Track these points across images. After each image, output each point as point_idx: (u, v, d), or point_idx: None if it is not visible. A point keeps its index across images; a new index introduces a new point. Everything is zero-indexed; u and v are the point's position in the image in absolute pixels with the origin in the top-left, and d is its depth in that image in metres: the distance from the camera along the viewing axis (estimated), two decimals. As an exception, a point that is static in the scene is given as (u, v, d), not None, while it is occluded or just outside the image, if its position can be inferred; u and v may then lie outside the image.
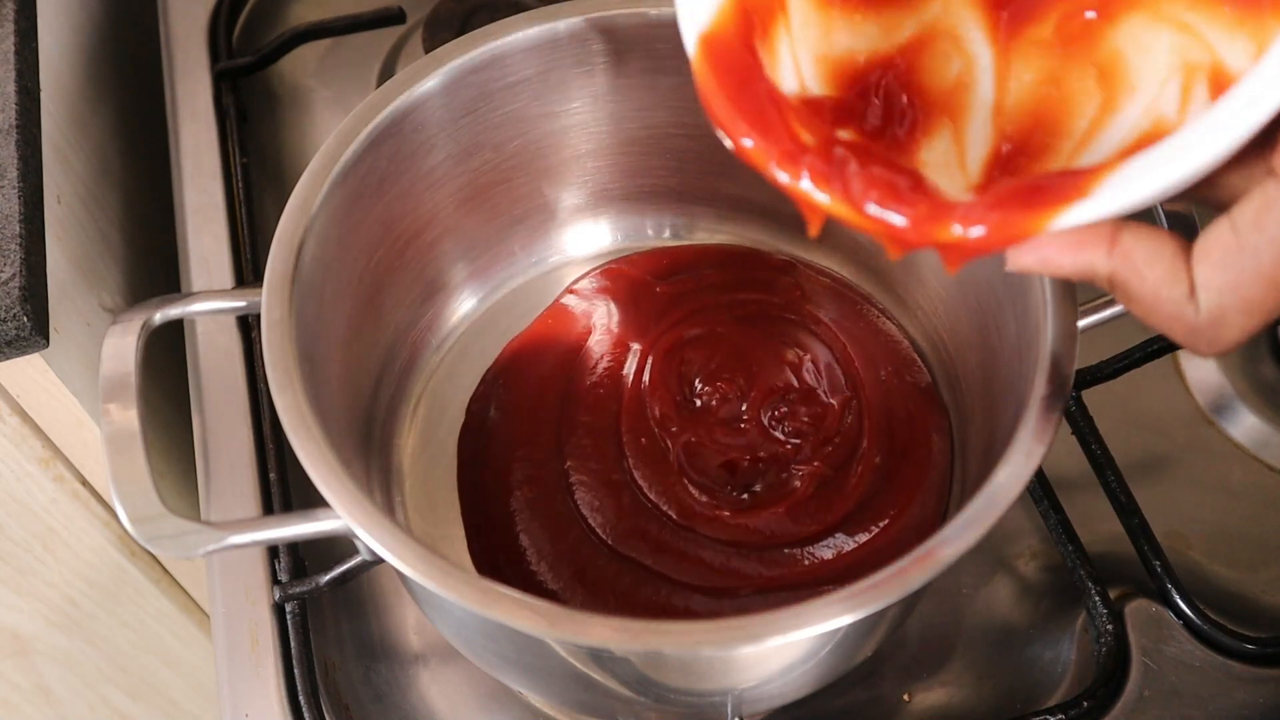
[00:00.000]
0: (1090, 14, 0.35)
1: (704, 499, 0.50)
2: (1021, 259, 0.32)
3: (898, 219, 0.32)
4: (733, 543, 0.49)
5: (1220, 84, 0.31)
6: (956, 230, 0.31)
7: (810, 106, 0.36)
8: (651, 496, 0.50)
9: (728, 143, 0.34)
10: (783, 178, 0.33)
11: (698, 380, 0.53)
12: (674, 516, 0.50)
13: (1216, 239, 0.29)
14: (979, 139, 0.37)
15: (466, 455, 0.53)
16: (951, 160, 0.37)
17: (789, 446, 0.51)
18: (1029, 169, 0.36)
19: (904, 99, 0.37)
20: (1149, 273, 0.30)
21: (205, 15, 0.73)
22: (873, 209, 0.32)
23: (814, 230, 0.33)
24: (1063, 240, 0.31)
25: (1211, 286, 0.29)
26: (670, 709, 0.45)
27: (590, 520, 0.50)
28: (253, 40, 0.75)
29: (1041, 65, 0.36)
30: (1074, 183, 0.30)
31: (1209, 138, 0.28)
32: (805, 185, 0.33)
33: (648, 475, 0.51)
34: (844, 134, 0.36)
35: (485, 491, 0.51)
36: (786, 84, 0.36)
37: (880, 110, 0.37)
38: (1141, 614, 0.50)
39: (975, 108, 0.37)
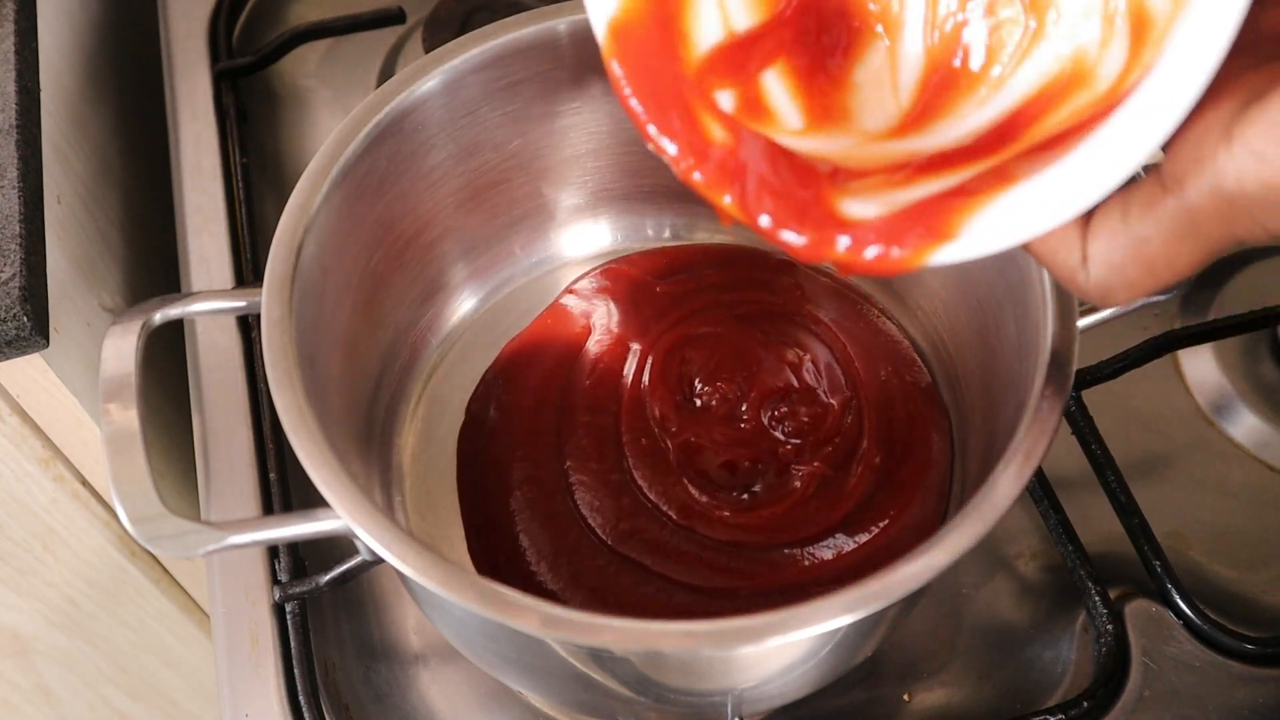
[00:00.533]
0: None
1: (704, 499, 0.50)
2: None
3: (790, 236, 0.32)
4: (732, 543, 0.49)
5: (1140, 20, 0.31)
6: (842, 251, 0.32)
7: (737, 50, 0.36)
8: (651, 496, 0.50)
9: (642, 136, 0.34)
10: (688, 176, 0.33)
11: (698, 380, 0.54)
12: (674, 516, 0.50)
13: (1107, 220, 0.30)
14: (911, 61, 0.37)
15: (466, 455, 0.53)
16: (884, 81, 0.37)
17: (789, 447, 0.51)
18: (954, 100, 0.36)
19: (834, 17, 0.37)
20: (1051, 235, 0.31)
21: (205, 15, 0.73)
22: (765, 221, 0.33)
23: (725, 222, 0.34)
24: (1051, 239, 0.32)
25: (1099, 261, 0.31)
26: (670, 709, 0.45)
27: (590, 520, 0.50)
28: (253, 40, 0.75)
29: None
30: (944, 220, 0.31)
31: (1083, 184, 0.29)
32: (707, 185, 0.33)
33: (647, 475, 0.51)
34: (774, 71, 0.36)
35: (485, 491, 0.51)
36: (710, 30, 0.36)
37: (812, 34, 0.37)
38: (1141, 614, 0.50)
39: (908, 26, 0.37)
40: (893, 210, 0.32)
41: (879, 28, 0.38)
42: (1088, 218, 0.31)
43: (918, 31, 0.37)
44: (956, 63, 0.36)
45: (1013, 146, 0.33)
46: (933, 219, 0.31)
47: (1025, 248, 0.32)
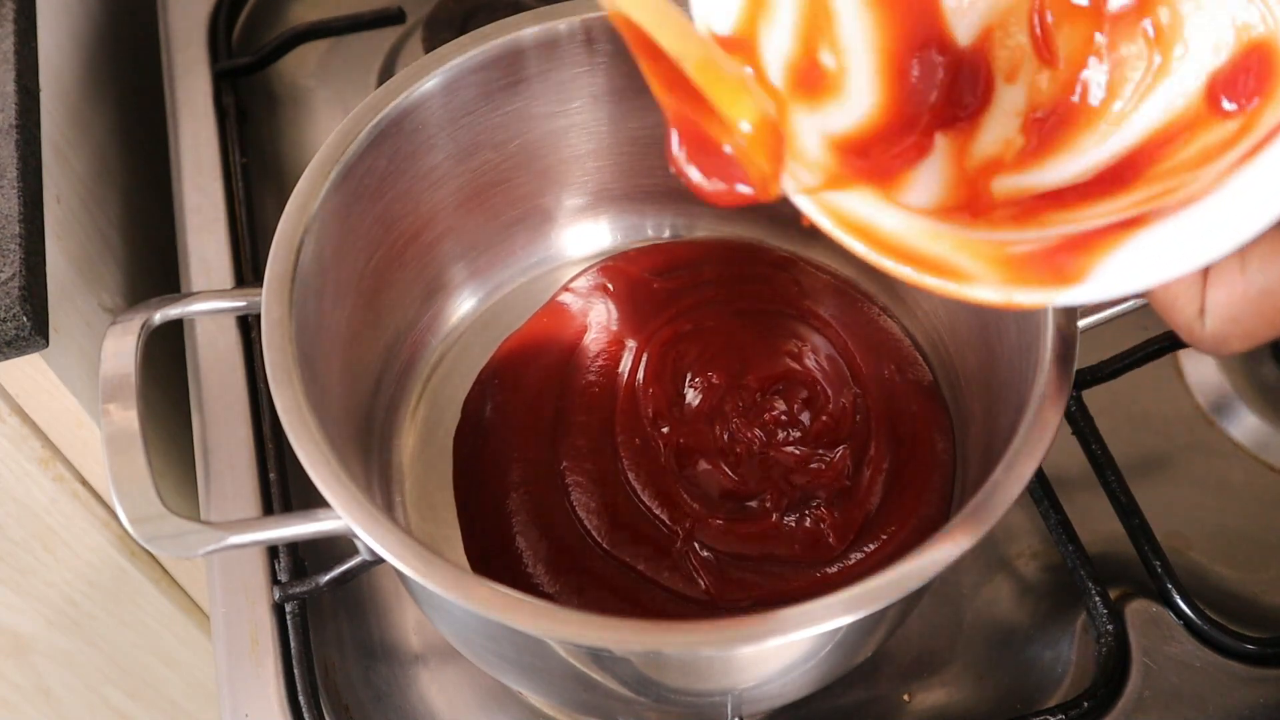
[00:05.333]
0: None
1: (696, 506, 0.50)
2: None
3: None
4: (731, 554, 0.48)
5: (1274, 54, 0.31)
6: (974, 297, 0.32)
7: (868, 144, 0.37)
8: (645, 499, 0.50)
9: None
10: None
11: (695, 378, 0.53)
12: (667, 521, 0.49)
13: (1227, 271, 0.31)
14: (1030, 98, 0.37)
15: (462, 455, 0.53)
16: (1004, 120, 0.37)
17: (794, 452, 0.51)
18: (1074, 136, 0.36)
19: (970, 84, 0.38)
20: (1173, 285, 0.32)
21: (205, 15, 0.73)
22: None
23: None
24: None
25: (1217, 313, 0.31)
26: (670, 709, 0.45)
27: (586, 523, 0.50)
28: (253, 40, 0.75)
29: (1087, 27, 0.36)
30: (1073, 262, 0.31)
31: (1220, 228, 0.28)
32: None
33: (642, 477, 0.50)
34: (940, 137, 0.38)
35: (481, 492, 0.51)
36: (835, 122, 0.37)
37: (952, 108, 0.38)
38: (1141, 614, 0.50)
39: (1026, 65, 0.38)
40: (1019, 252, 0.32)
41: (1000, 70, 0.38)
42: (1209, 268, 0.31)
43: (1038, 69, 0.37)
44: (1075, 98, 0.36)
45: (1136, 185, 0.33)
46: (1061, 261, 0.31)
47: (1149, 297, 0.33)
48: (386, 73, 0.73)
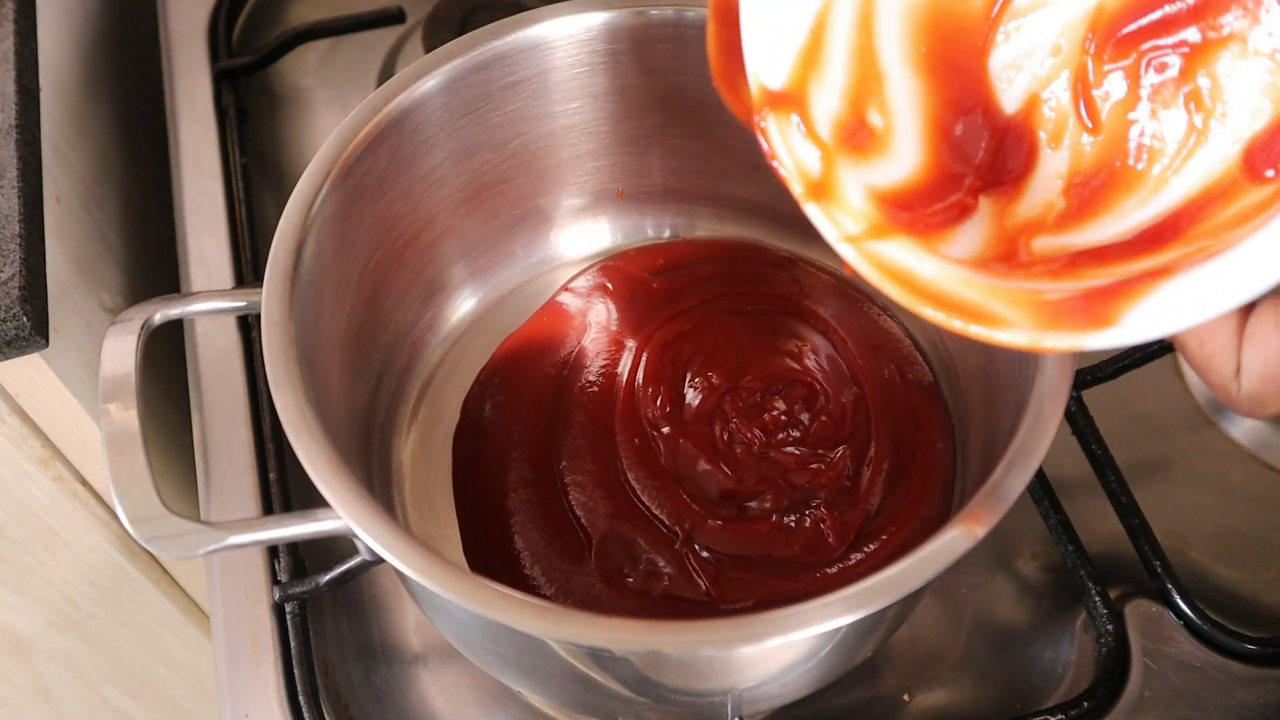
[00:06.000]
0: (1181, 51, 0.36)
1: (696, 506, 0.50)
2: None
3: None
4: (731, 554, 0.48)
5: None
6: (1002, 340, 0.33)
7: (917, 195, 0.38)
8: (644, 499, 0.50)
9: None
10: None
11: (695, 378, 0.53)
12: (666, 521, 0.49)
13: (1260, 329, 0.31)
14: (1073, 164, 0.38)
15: (462, 455, 0.53)
16: (1047, 185, 0.38)
17: (793, 452, 0.51)
18: (1115, 199, 0.37)
19: (1013, 150, 0.39)
20: (1209, 344, 0.32)
21: (205, 15, 0.73)
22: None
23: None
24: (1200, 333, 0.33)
25: (1253, 373, 0.32)
26: (670, 709, 0.45)
27: (585, 522, 0.50)
28: (253, 40, 0.75)
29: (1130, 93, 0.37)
30: (1105, 307, 0.31)
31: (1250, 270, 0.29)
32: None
33: (641, 477, 0.50)
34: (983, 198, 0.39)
35: (481, 492, 0.51)
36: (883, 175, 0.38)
37: (995, 173, 0.39)
38: (1141, 614, 0.50)
39: (1070, 132, 0.39)
40: (1052, 299, 0.33)
41: (1043, 137, 0.39)
42: (1243, 325, 0.32)
43: (1081, 135, 0.38)
44: (1117, 163, 0.37)
45: (1175, 244, 0.33)
46: (1093, 307, 0.32)
47: (1183, 355, 0.33)
48: (386, 73, 0.73)
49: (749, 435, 0.51)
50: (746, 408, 0.52)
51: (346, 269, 0.48)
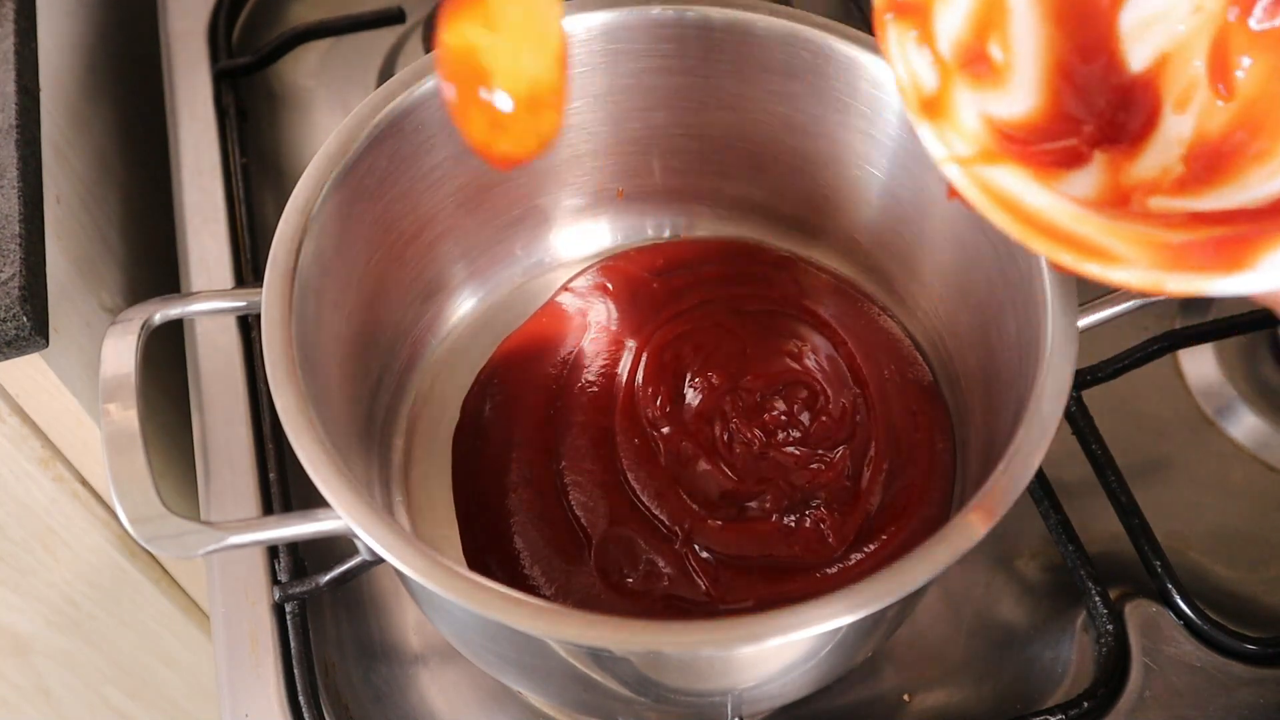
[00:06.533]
0: None
1: (696, 506, 0.49)
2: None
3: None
4: (731, 555, 0.48)
5: None
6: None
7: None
8: (644, 500, 0.50)
9: None
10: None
11: (695, 378, 0.53)
12: (666, 522, 0.49)
13: None
14: (1199, 132, 0.37)
15: (461, 455, 0.53)
16: (1168, 150, 0.37)
17: (793, 452, 0.51)
18: (1241, 169, 0.36)
19: (1137, 105, 0.38)
20: None
21: (205, 15, 0.73)
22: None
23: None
24: None
25: None
26: (670, 709, 0.45)
27: (584, 523, 0.50)
28: (253, 40, 0.75)
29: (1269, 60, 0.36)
30: (1241, 251, 0.30)
31: None
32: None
33: (641, 478, 0.50)
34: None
35: (480, 492, 0.51)
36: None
37: (1116, 126, 0.38)
38: (1141, 614, 0.50)
39: (1198, 97, 0.37)
40: (1175, 240, 0.32)
41: (1169, 99, 0.38)
42: None
43: (1211, 102, 0.37)
44: (1246, 134, 0.36)
45: None
46: (1225, 250, 0.30)
47: None
48: (386, 73, 0.73)
49: (749, 435, 0.51)
50: (746, 408, 0.52)
51: (346, 269, 0.48)
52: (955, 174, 0.35)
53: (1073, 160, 0.37)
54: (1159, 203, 0.36)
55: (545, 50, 0.37)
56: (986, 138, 0.36)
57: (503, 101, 0.37)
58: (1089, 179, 0.37)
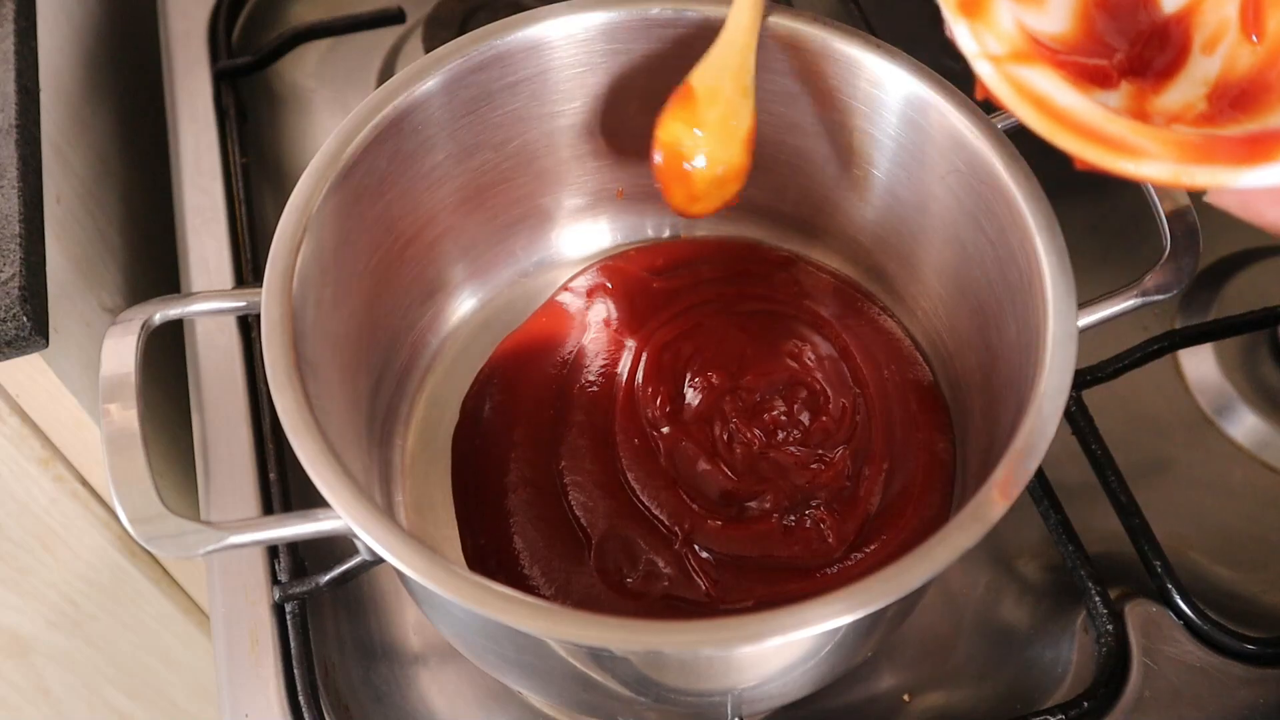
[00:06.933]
0: None
1: (696, 507, 0.49)
2: (1224, 197, 0.34)
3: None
4: (730, 555, 0.48)
5: None
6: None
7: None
8: (644, 500, 0.50)
9: None
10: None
11: (694, 378, 0.53)
12: (666, 522, 0.49)
13: None
14: (1222, 72, 0.38)
15: (461, 455, 0.53)
16: (1191, 89, 0.38)
17: (793, 452, 0.51)
18: (1268, 107, 0.36)
19: (1160, 46, 0.39)
20: None
21: (205, 15, 0.73)
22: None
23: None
24: (1275, 191, 0.32)
25: None
26: (670, 709, 0.45)
27: (584, 523, 0.50)
28: (253, 40, 0.75)
29: None
30: (1263, 146, 0.31)
31: None
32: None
33: (641, 478, 0.50)
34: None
35: (480, 492, 0.51)
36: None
37: (1139, 61, 0.39)
38: (1141, 614, 0.50)
39: (1229, 38, 0.38)
40: (1202, 139, 0.32)
41: (1198, 41, 0.38)
42: None
43: (1239, 44, 0.37)
44: (1273, 74, 0.36)
45: None
46: (1251, 144, 0.31)
47: None
48: (386, 73, 0.73)
49: (749, 435, 0.51)
50: (746, 408, 0.52)
51: (346, 269, 0.48)
52: (987, 70, 0.35)
53: (1101, 80, 0.38)
54: (1184, 130, 0.37)
55: (735, 141, 0.49)
56: (1020, 40, 0.36)
57: (700, 179, 0.49)
58: (1114, 101, 0.38)
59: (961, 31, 0.36)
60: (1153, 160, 0.32)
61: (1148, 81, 0.38)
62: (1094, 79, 0.37)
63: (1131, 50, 0.38)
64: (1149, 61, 0.38)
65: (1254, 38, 0.37)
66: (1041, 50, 0.37)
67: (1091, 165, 0.33)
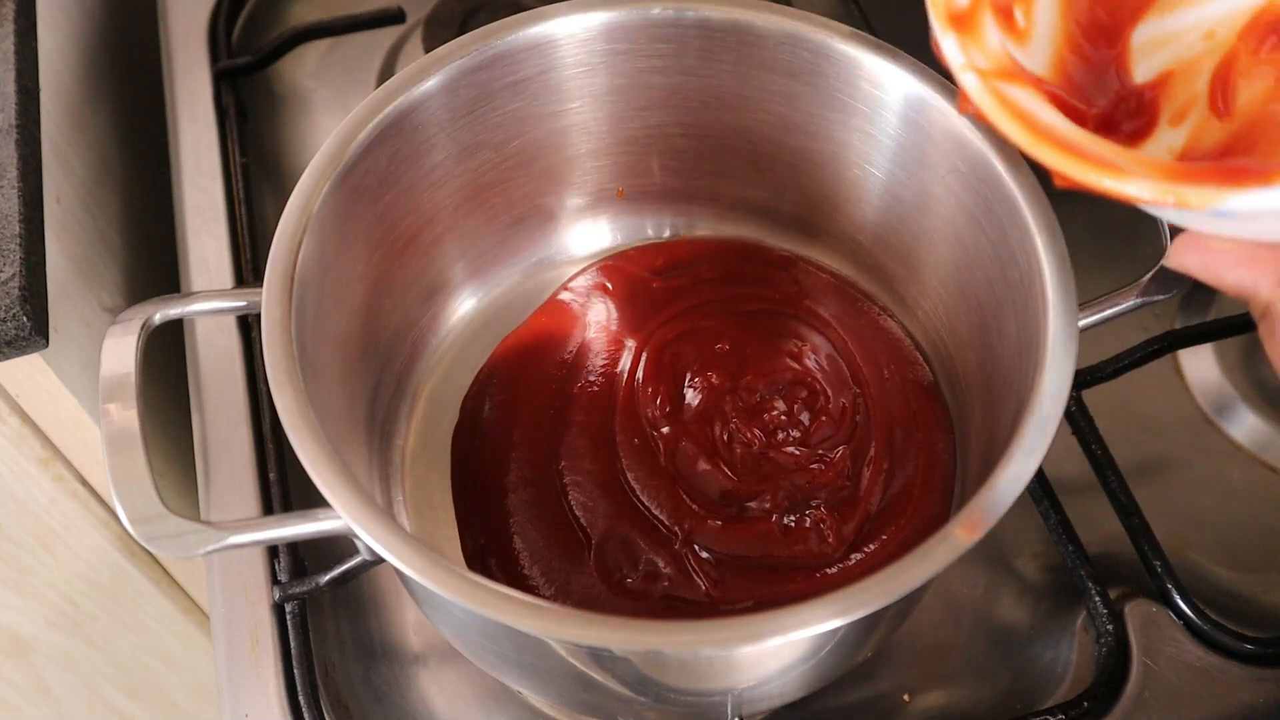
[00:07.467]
0: None
1: (695, 507, 0.49)
2: (1185, 259, 0.33)
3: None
4: (730, 555, 0.48)
5: None
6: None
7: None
8: (644, 500, 0.50)
9: None
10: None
11: (694, 378, 0.53)
12: (666, 522, 0.49)
13: None
14: (1188, 144, 0.38)
15: (461, 455, 0.53)
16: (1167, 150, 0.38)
17: (793, 452, 0.51)
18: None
19: (1135, 111, 0.39)
20: None
21: (205, 15, 0.73)
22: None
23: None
24: (1234, 252, 0.32)
25: None
26: (670, 709, 0.45)
27: (584, 523, 0.50)
28: (253, 40, 0.75)
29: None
30: (1254, 170, 0.30)
31: None
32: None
33: (641, 478, 0.50)
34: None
35: (480, 492, 0.51)
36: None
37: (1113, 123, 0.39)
38: (1141, 614, 0.50)
39: (1194, 113, 0.38)
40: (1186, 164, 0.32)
41: (1166, 114, 0.39)
42: None
43: (1207, 119, 0.38)
44: (1238, 152, 0.36)
45: None
46: (1238, 169, 0.30)
47: (1269, 337, 0.32)
48: (386, 73, 0.73)
49: (749, 435, 0.51)
50: (746, 408, 0.52)
51: (346, 269, 0.48)
52: (971, 81, 0.35)
53: (1078, 120, 0.38)
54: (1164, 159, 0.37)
55: None
56: (1007, 60, 0.36)
57: None
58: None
59: (949, 44, 0.36)
60: (1135, 178, 0.31)
61: (1117, 140, 0.38)
62: (1072, 116, 0.37)
63: (1105, 108, 0.39)
64: (1118, 124, 0.39)
65: (1221, 109, 0.37)
66: (1026, 74, 0.37)
67: (1071, 182, 0.33)
